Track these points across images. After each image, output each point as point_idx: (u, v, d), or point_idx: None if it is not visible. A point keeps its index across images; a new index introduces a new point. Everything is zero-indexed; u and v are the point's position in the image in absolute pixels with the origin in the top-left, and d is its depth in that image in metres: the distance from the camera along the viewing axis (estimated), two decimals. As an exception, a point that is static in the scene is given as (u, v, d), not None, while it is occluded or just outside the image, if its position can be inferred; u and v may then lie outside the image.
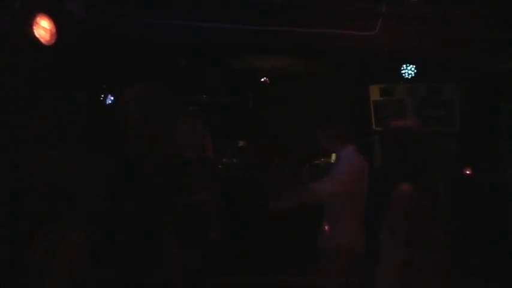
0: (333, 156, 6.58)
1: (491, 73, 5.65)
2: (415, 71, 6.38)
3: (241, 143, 7.86)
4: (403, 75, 6.44)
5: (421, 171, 2.46)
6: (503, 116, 5.98)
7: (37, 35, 3.54)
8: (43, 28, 3.59)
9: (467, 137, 6.03)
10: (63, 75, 4.08)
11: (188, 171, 3.02)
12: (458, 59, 5.37)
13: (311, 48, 5.36)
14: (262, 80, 7.73)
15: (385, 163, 2.59)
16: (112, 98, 6.24)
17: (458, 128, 6.18)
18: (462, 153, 6.03)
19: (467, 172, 5.72)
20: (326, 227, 3.70)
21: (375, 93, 6.70)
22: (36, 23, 3.53)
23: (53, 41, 3.69)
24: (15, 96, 3.42)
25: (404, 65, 6.42)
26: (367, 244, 3.64)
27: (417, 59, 5.94)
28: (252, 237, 5.57)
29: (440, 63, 5.72)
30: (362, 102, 6.66)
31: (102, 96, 6.21)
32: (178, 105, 5.46)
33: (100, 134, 4.39)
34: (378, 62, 5.98)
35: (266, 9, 4.81)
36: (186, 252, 2.66)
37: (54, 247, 2.15)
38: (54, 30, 3.70)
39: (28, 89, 3.55)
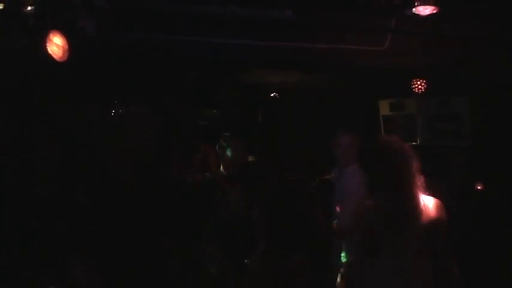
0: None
1: (502, 86, 5.62)
2: (425, 85, 6.36)
3: (251, 158, 7.85)
4: (413, 89, 6.42)
5: (398, 186, 2.40)
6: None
7: (50, 52, 3.59)
8: (56, 45, 3.64)
9: (479, 151, 5.98)
10: (75, 92, 4.13)
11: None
12: (469, 73, 5.37)
13: (321, 63, 5.38)
14: (272, 95, 7.75)
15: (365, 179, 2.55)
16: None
17: (469, 142, 6.13)
18: (473, 168, 5.98)
19: (479, 187, 5.67)
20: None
21: (384, 107, 6.69)
22: (49, 39, 3.58)
23: (65, 58, 3.74)
24: (28, 112, 3.46)
25: (414, 80, 6.40)
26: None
27: (427, 74, 5.94)
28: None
29: (450, 77, 5.71)
30: (371, 116, 6.65)
31: (114, 111, 6.26)
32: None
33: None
34: (388, 77, 5.99)
35: (276, 25, 4.85)
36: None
37: None
38: (66, 46, 3.75)
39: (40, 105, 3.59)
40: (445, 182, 5.84)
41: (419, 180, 2.44)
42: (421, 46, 5.00)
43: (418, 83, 6.32)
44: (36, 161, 3.26)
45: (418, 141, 6.32)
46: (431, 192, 2.55)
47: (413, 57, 5.11)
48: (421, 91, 6.35)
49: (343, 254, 3.64)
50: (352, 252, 2.44)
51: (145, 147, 2.33)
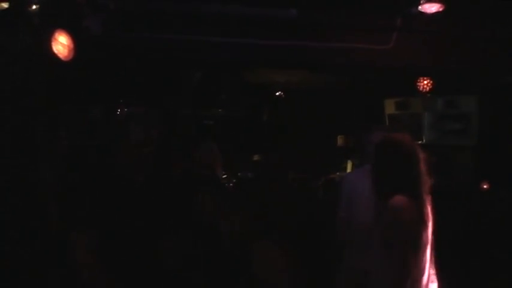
0: (349, 167, 6.59)
1: (509, 85, 5.58)
2: (431, 84, 6.32)
3: (256, 157, 7.86)
4: (419, 88, 6.39)
5: (411, 184, 2.43)
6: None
7: (55, 51, 3.59)
8: (61, 44, 3.65)
9: (485, 150, 5.95)
10: (81, 91, 4.14)
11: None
12: (475, 72, 5.33)
13: (326, 62, 5.36)
14: (277, 94, 7.75)
15: (376, 176, 2.56)
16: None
17: (475, 141, 6.09)
18: (480, 168, 5.95)
19: (485, 186, 5.64)
20: None
21: (390, 106, 6.67)
22: (55, 38, 3.58)
23: (71, 57, 3.74)
24: (33, 111, 3.47)
25: (420, 79, 6.37)
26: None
27: (433, 72, 5.91)
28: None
29: (456, 76, 5.68)
30: (377, 116, 6.63)
31: (119, 111, 6.28)
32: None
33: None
34: (393, 76, 5.96)
35: (280, 24, 4.84)
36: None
37: None
38: (72, 45, 3.75)
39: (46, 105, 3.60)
40: (450, 181, 5.83)
41: (428, 181, 2.47)
42: (426, 44, 4.97)
43: (425, 82, 6.29)
44: (39, 160, 3.26)
45: (424, 141, 6.29)
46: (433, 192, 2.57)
47: (419, 56, 5.08)
48: (427, 90, 6.32)
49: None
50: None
51: (148, 147, 2.32)
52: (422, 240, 2.40)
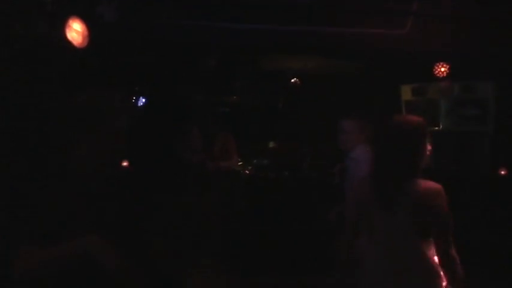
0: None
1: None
2: (448, 69, 6.22)
3: (271, 144, 7.87)
4: (436, 74, 6.30)
5: (384, 165, 2.50)
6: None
7: (69, 38, 3.62)
8: (75, 31, 3.68)
9: (503, 136, 5.87)
10: (95, 78, 4.16)
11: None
12: (493, 57, 5.25)
13: (341, 48, 5.32)
14: (293, 80, 7.71)
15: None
16: (144, 100, 6.34)
17: (493, 127, 6.01)
18: (497, 153, 5.87)
19: (502, 172, 5.57)
20: None
21: (406, 93, 6.60)
22: (69, 25, 3.61)
23: (85, 44, 3.77)
24: (48, 99, 3.50)
25: (437, 64, 6.28)
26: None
27: (450, 58, 5.82)
28: (281, 237, 5.57)
29: (474, 61, 5.60)
30: (393, 102, 6.57)
31: (134, 98, 6.33)
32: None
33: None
34: (410, 61, 5.89)
35: (294, 9, 4.80)
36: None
37: None
38: (86, 33, 3.78)
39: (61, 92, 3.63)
40: (468, 167, 5.78)
41: (418, 163, 2.46)
42: (443, 29, 4.89)
43: (441, 68, 6.20)
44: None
45: (441, 127, 6.23)
46: (451, 174, 2.57)
47: (435, 41, 5.01)
48: (444, 76, 6.22)
49: None
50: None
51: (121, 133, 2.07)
52: (382, 223, 2.45)
